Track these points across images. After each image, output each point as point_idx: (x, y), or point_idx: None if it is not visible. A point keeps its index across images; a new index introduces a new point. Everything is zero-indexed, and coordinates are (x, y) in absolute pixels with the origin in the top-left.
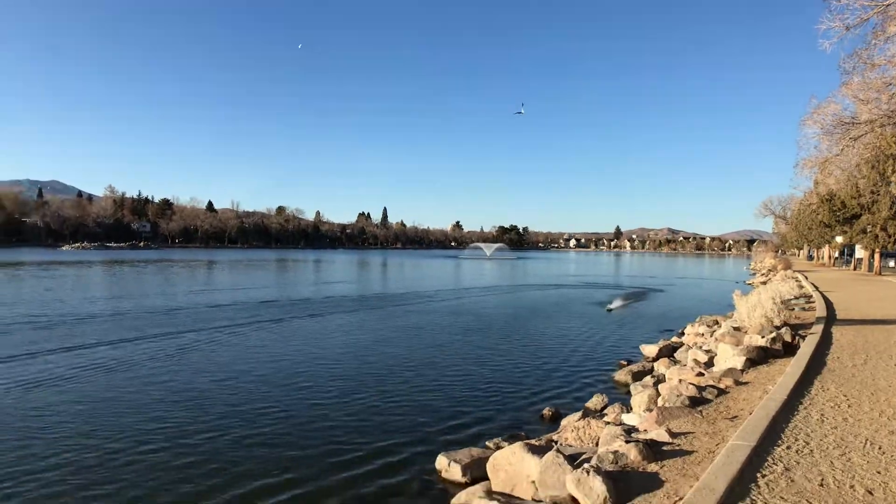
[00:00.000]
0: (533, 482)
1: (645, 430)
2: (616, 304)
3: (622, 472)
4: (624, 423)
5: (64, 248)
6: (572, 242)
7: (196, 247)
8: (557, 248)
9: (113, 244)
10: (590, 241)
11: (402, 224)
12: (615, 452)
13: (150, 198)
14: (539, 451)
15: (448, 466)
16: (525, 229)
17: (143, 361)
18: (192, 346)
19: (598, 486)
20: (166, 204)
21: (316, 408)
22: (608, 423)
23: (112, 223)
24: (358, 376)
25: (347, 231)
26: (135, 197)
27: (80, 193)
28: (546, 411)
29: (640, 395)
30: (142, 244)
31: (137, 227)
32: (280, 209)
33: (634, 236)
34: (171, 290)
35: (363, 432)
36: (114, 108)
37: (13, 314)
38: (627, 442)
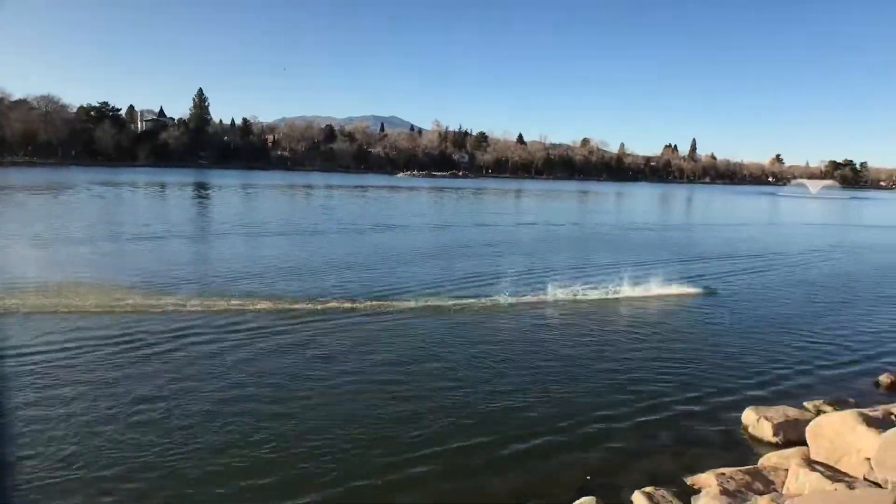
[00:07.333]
0: (867, 459)
1: None
2: None
3: None
4: None
5: (398, 175)
6: None
7: (506, 176)
8: None
9: (437, 173)
10: None
11: (713, 157)
12: None
13: (468, 131)
14: (876, 423)
15: (757, 422)
16: (863, 165)
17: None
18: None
19: None
20: (482, 137)
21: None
22: None
23: (437, 154)
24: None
25: (651, 164)
26: (456, 131)
27: (412, 127)
28: (884, 378)
29: None
30: (460, 173)
31: (457, 157)
32: (584, 141)
33: None
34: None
35: (665, 372)
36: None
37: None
38: None
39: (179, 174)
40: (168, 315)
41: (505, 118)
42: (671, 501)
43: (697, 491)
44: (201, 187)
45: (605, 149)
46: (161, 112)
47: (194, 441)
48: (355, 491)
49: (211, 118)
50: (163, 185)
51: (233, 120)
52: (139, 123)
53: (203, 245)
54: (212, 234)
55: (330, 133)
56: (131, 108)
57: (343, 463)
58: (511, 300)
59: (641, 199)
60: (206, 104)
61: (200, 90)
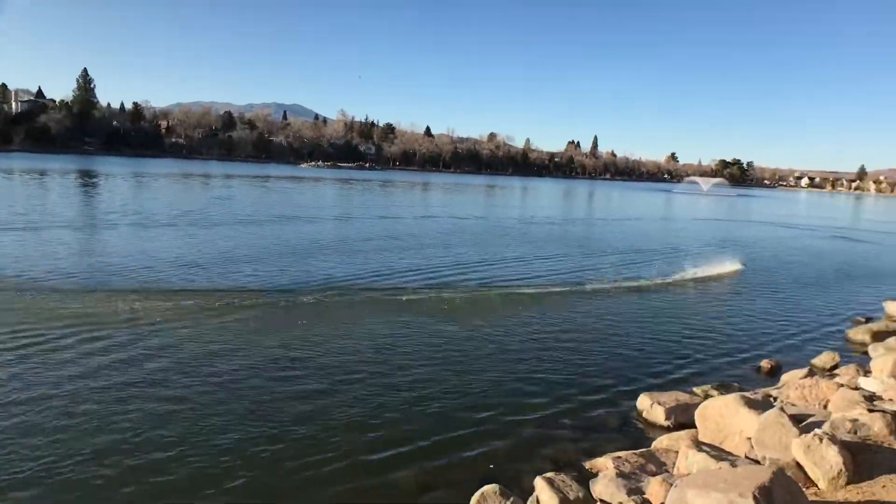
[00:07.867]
0: (748, 439)
1: (891, 400)
2: None
3: (862, 445)
4: (862, 389)
5: (302, 166)
6: (804, 181)
7: (413, 169)
8: (786, 186)
9: (343, 164)
10: (825, 181)
11: (613, 154)
12: (854, 421)
13: (375, 122)
14: (756, 405)
15: (650, 407)
16: (749, 164)
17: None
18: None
19: (832, 456)
20: (389, 128)
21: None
22: (841, 385)
23: (342, 144)
24: (558, 310)
25: (556, 160)
26: (362, 121)
27: (316, 116)
28: (764, 363)
29: (883, 359)
30: (367, 165)
31: (364, 149)
32: (491, 136)
33: (883, 178)
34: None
35: (566, 363)
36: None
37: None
38: (871, 411)
39: (62, 160)
40: (44, 312)
41: (412, 111)
42: (571, 485)
43: (595, 474)
44: (86, 175)
45: (511, 143)
46: (39, 92)
47: (79, 446)
48: (255, 491)
49: (97, 101)
50: (42, 173)
51: (122, 104)
52: (13, 104)
53: (85, 236)
54: (96, 224)
55: (229, 120)
56: (3, 86)
57: (242, 462)
58: (411, 296)
59: (546, 193)
60: (92, 85)
61: (85, 70)
